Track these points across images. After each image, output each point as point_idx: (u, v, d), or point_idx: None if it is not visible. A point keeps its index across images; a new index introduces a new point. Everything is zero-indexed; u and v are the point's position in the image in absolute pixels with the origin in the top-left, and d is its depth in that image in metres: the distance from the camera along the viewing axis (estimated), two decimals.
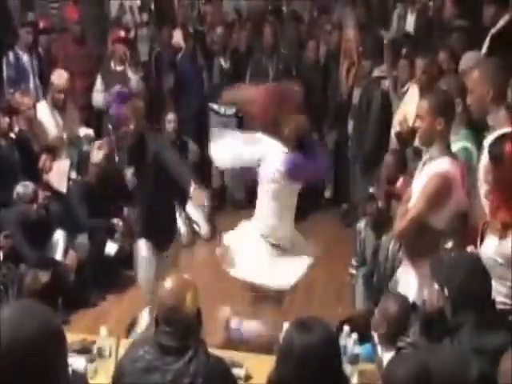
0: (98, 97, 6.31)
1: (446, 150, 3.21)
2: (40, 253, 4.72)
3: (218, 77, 6.66)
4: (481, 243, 2.92)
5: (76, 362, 2.97)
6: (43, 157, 5.34)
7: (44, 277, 4.46)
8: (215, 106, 6.62)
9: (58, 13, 7.51)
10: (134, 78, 6.32)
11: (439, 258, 2.68)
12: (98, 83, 6.36)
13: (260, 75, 6.40)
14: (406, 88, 5.21)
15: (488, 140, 3.16)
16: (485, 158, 3.10)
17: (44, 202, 4.91)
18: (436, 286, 2.66)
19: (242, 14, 7.80)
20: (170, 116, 6.18)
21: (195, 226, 6.13)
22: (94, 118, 6.43)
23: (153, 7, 7.96)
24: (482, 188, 3.23)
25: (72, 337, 3.22)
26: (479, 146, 3.71)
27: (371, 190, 4.60)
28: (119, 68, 6.38)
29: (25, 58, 6.23)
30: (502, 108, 3.22)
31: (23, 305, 1.53)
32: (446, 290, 2.49)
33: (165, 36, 6.99)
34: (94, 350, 3.03)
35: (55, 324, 1.50)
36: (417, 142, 3.80)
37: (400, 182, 4.32)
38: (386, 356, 2.59)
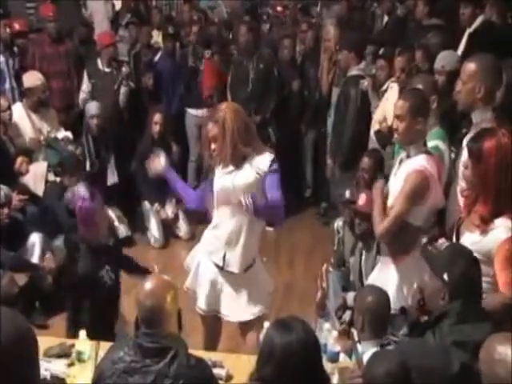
0: (84, 97, 6.26)
1: (423, 148, 3.25)
2: (16, 256, 4.65)
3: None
4: (456, 240, 2.94)
5: (55, 367, 2.94)
6: (19, 159, 5.28)
7: (20, 280, 4.39)
8: (193, 111, 6.60)
9: (35, 12, 7.40)
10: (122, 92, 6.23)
11: (434, 247, 2.71)
12: (85, 84, 6.29)
13: (241, 75, 6.38)
14: (385, 87, 5.23)
15: (468, 137, 3.19)
16: (463, 154, 3.13)
17: (20, 205, 4.85)
18: (426, 278, 2.75)
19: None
20: (157, 117, 6.04)
21: (175, 226, 6.12)
22: (75, 118, 6.37)
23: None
24: (459, 185, 3.26)
25: (50, 341, 3.19)
26: (451, 145, 3.76)
27: (347, 195, 4.42)
28: (107, 69, 6.30)
29: (0, 58, 6.12)
30: (489, 109, 3.22)
31: None
32: (446, 276, 2.55)
33: (143, 36, 6.94)
34: (73, 354, 2.99)
35: (28, 332, 1.46)
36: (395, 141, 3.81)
37: (362, 198, 4.05)
38: (367, 353, 2.59)
